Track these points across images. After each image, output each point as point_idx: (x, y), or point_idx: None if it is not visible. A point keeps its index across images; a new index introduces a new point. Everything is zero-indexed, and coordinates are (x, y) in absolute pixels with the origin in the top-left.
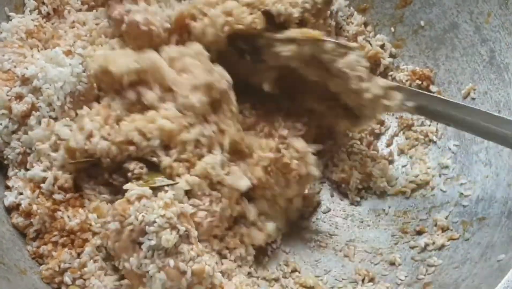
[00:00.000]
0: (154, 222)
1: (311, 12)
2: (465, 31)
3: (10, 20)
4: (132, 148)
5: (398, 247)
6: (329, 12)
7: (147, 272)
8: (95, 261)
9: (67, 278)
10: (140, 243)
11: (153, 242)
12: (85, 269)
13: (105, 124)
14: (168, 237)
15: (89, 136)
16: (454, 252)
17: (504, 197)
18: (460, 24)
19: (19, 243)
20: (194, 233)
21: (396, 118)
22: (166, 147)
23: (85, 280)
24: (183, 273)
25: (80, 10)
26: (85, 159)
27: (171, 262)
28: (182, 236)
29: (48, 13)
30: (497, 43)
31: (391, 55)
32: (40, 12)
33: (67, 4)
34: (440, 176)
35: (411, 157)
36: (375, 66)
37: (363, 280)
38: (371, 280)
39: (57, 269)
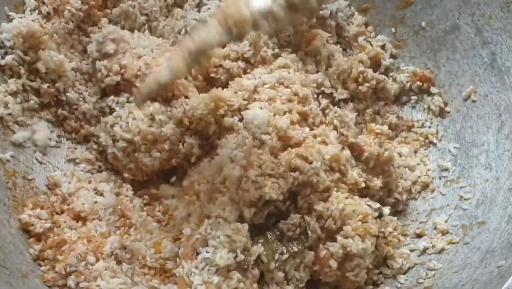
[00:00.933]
0: (218, 237)
1: None
2: (466, 33)
3: (11, 21)
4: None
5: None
6: (328, 12)
7: (193, 282)
8: (104, 260)
9: (70, 282)
10: (198, 253)
11: (208, 255)
12: (93, 267)
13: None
14: (223, 255)
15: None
16: (454, 256)
17: (504, 201)
18: (461, 26)
19: (20, 246)
20: (255, 271)
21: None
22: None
23: (88, 282)
24: None
25: (80, 9)
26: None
27: (216, 279)
28: (240, 264)
29: (48, 13)
30: (498, 46)
31: (392, 56)
32: (40, 12)
33: (67, 3)
34: (440, 178)
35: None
36: (376, 67)
37: (365, 283)
38: (372, 283)
39: (63, 272)
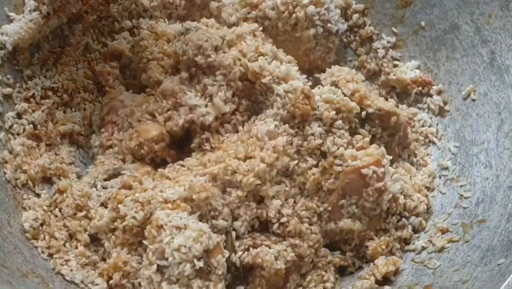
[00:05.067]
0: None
1: None
2: (465, 32)
3: (11, 22)
4: None
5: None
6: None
7: None
8: None
9: None
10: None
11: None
12: None
13: None
14: (185, 269)
15: None
16: (454, 254)
17: (504, 199)
18: (461, 25)
19: (20, 246)
20: (219, 271)
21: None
22: None
23: None
24: None
25: (80, 9)
26: None
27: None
28: (201, 270)
29: (48, 13)
30: (498, 44)
31: (394, 58)
32: (40, 12)
33: (68, 3)
34: (440, 177)
35: None
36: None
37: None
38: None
39: None
